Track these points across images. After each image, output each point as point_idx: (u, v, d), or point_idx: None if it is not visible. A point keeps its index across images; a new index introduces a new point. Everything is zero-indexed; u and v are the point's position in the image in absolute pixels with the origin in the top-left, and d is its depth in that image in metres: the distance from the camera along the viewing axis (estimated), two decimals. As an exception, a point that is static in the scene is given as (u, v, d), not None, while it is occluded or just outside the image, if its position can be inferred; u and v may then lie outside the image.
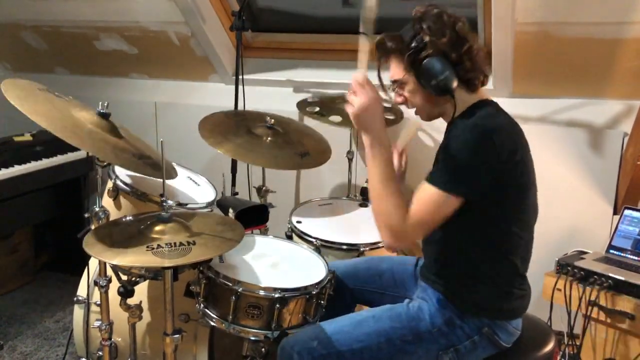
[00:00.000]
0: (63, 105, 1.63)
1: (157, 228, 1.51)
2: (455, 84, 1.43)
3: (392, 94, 1.56)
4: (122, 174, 2.03)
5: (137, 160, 1.62)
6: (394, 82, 1.53)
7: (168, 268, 1.48)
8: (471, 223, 1.44)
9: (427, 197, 1.40)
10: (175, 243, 1.44)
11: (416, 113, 1.58)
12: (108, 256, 1.42)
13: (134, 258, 1.39)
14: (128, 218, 1.68)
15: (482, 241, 1.46)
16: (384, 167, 1.46)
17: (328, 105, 2.57)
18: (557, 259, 2.04)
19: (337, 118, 2.49)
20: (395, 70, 1.51)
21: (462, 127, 1.42)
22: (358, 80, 1.45)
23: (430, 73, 1.42)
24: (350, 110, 1.46)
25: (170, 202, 1.58)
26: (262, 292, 1.58)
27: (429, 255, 1.61)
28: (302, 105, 2.60)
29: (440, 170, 1.42)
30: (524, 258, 1.53)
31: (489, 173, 1.38)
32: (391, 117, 2.54)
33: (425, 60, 1.42)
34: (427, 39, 1.42)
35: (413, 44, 1.43)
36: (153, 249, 1.41)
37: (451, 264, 1.53)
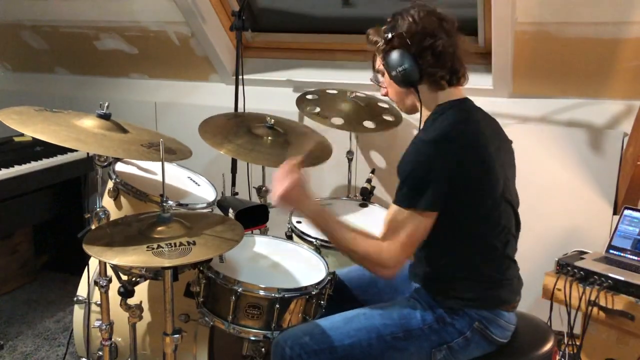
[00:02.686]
0: (62, 119, 1.65)
1: (158, 228, 1.51)
2: (415, 77, 1.50)
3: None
4: (123, 174, 2.04)
5: (147, 149, 1.64)
6: (377, 72, 1.65)
7: (168, 268, 1.48)
8: (447, 222, 1.46)
9: (397, 218, 1.45)
10: (175, 243, 1.44)
11: (396, 105, 1.68)
12: (108, 256, 1.42)
13: (134, 258, 1.39)
14: (128, 218, 1.68)
15: (461, 236, 1.49)
16: (330, 226, 1.53)
17: (328, 105, 2.57)
18: (557, 259, 2.04)
19: (338, 120, 2.48)
20: (378, 61, 1.62)
21: (416, 142, 1.48)
22: (285, 168, 1.58)
23: (391, 64, 1.52)
24: (275, 196, 1.55)
25: (170, 202, 1.58)
26: (262, 292, 1.58)
27: (416, 255, 1.63)
28: (301, 102, 2.58)
29: (401, 188, 1.46)
30: (509, 242, 1.55)
31: (444, 181, 1.41)
32: (390, 119, 2.54)
33: (389, 52, 1.52)
34: (393, 32, 1.51)
35: (385, 37, 1.52)
36: (153, 249, 1.41)
37: (436, 262, 1.55)
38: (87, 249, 1.42)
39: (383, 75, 1.62)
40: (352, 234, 1.51)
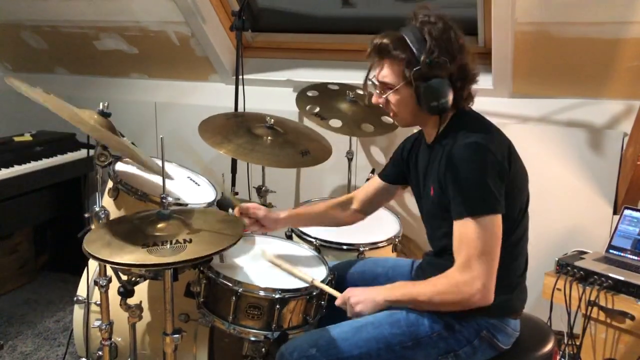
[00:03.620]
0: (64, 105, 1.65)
1: (156, 226, 1.50)
2: (449, 106, 1.44)
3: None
4: (123, 173, 2.04)
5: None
6: (384, 84, 1.49)
7: (163, 266, 1.47)
8: None
9: (469, 232, 1.36)
10: (170, 241, 1.43)
11: (391, 116, 1.56)
12: (104, 254, 1.41)
13: (129, 257, 1.38)
14: (128, 216, 1.68)
15: None
16: (405, 292, 1.48)
17: (328, 105, 2.56)
18: (557, 259, 2.04)
19: (337, 122, 2.47)
20: (389, 74, 1.47)
21: (460, 150, 1.40)
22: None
23: (433, 94, 1.41)
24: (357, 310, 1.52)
25: (170, 198, 1.58)
26: (262, 293, 1.58)
27: (429, 261, 1.62)
28: (301, 100, 2.57)
29: (466, 199, 1.37)
30: (525, 257, 1.54)
31: (503, 183, 1.39)
32: (390, 122, 2.54)
33: (432, 81, 1.40)
34: (438, 58, 1.39)
35: (426, 60, 1.39)
36: (148, 246, 1.41)
37: None
38: (86, 246, 1.42)
39: (393, 90, 1.47)
40: (423, 283, 1.46)
